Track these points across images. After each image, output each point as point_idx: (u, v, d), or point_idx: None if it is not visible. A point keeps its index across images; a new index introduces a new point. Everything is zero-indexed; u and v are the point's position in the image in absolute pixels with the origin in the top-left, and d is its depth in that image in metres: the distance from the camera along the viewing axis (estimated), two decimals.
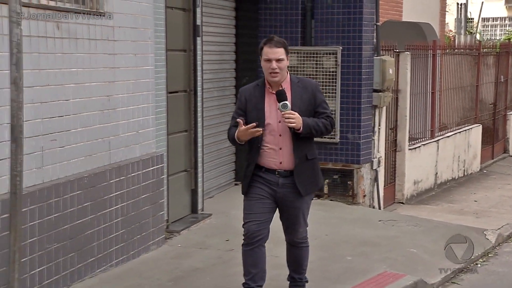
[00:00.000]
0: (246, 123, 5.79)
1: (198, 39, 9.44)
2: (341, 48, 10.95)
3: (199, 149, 9.68)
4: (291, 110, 5.71)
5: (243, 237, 6.04)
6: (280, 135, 5.90)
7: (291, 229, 6.12)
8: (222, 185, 11.25)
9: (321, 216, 9.94)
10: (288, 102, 5.70)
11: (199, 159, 9.70)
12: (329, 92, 10.96)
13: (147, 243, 7.91)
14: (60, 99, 6.48)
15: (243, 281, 6.05)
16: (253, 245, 5.92)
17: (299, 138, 5.84)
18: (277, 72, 5.79)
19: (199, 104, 9.60)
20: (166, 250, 8.05)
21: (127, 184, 7.51)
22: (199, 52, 9.50)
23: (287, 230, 6.17)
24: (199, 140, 9.66)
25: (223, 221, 9.42)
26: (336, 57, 10.95)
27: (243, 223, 6.03)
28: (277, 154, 5.92)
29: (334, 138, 11.04)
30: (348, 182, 11.24)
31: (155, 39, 8.16)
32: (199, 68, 9.53)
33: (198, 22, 9.41)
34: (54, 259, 6.37)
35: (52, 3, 6.38)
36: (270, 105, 5.89)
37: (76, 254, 6.67)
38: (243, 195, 6.13)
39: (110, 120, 7.30)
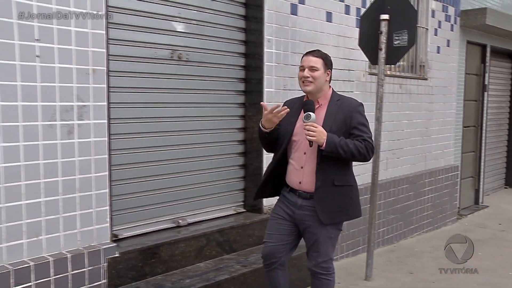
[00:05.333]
0: (277, 135, 3.66)
1: (485, 93, 9.23)
2: None
3: (482, 163, 9.35)
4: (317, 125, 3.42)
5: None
6: (304, 153, 3.57)
7: (309, 255, 3.73)
8: (495, 187, 10.61)
9: None
10: (312, 114, 3.42)
11: (481, 169, 9.37)
12: None
13: (445, 220, 7.89)
14: (398, 129, 6.76)
15: None
16: (269, 267, 3.76)
17: (325, 158, 3.46)
18: (309, 81, 3.52)
19: (483, 134, 9.32)
20: (457, 226, 7.93)
21: (435, 182, 7.55)
22: (485, 102, 9.23)
23: (307, 254, 3.78)
24: (482, 157, 9.34)
25: (496, 211, 8.99)
26: None
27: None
28: (298, 173, 3.61)
29: None
30: None
31: (456, 93, 8.10)
32: (484, 112, 9.25)
33: (486, 82, 9.19)
34: (390, 224, 6.65)
35: (397, 73, 6.77)
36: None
37: (402, 223, 6.88)
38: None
39: (427, 142, 7.41)
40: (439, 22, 7.52)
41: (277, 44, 4.99)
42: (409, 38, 5.05)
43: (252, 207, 5.05)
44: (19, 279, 3.29)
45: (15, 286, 3.28)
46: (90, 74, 3.61)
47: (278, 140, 3.67)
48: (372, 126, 5.46)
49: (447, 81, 7.80)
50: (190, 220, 4.59)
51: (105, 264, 3.72)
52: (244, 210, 5.06)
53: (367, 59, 5.63)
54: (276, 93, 5.00)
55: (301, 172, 3.60)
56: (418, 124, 7.21)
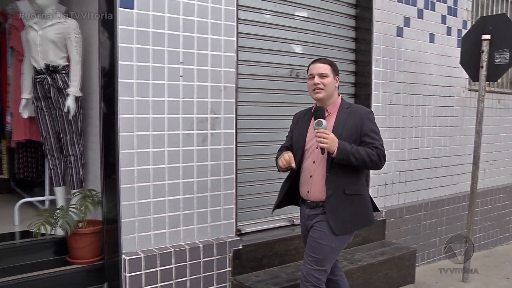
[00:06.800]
0: (291, 146, 3.28)
1: None
2: None
3: None
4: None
5: None
6: (313, 162, 3.10)
7: (304, 259, 3.13)
8: None
9: None
10: (323, 120, 2.96)
11: None
12: None
13: None
14: (496, 142, 6.37)
15: None
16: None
17: (335, 167, 2.99)
18: (320, 88, 3.06)
19: None
20: None
21: None
22: None
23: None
24: None
25: None
26: None
27: None
28: (307, 182, 3.14)
29: None
30: None
31: None
32: None
33: None
34: (486, 230, 6.31)
35: (496, 89, 6.41)
36: (313, 130, 3.05)
37: (499, 230, 6.52)
38: None
39: None
40: None
41: (384, 63, 4.90)
42: (511, 56, 4.78)
43: None
44: (163, 261, 3.49)
45: (160, 267, 3.47)
46: (222, 91, 3.74)
47: (292, 151, 3.23)
48: (471, 139, 5.34)
49: None
50: None
51: (230, 254, 3.83)
52: None
53: (467, 76, 5.40)
54: (382, 108, 4.90)
55: (310, 181, 3.13)
56: None
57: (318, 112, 3.02)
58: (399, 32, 5.04)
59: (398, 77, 5.05)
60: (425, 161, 5.44)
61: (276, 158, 3.24)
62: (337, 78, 3.15)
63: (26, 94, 4.21)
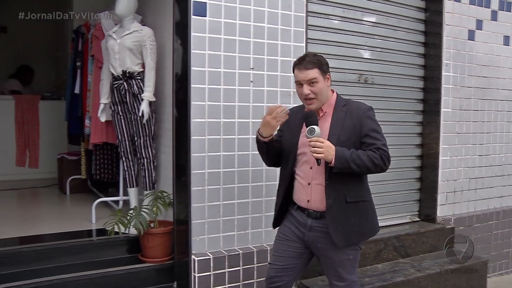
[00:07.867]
0: (279, 148, 2.79)
1: None
2: None
3: None
4: (321, 138, 2.54)
5: None
6: (311, 168, 2.68)
7: (329, 280, 2.84)
8: None
9: None
10: (316, 127, 2.52)
11: None
12: None
13: None
14: None
15: None
16: None
17: (335, 173, 2.56)
18: (312, 98, 2.63)
19: None
20: None
21: None
22: None
23: (327, 278, 2.88)
24: None
25: None
26: None
27: None
28: (306, 190, 2.71)
29: None
30: None
31: None
32: None
33: None
34: None
35: None
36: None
37: None
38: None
39: None
40: None
41: (454, 68, 4.64)
42: None
43: (426, 216, 4.72)
44: (232, 263, 3.44)
45: (228, 268, 3.43)
46: (291, 96, 3.66)
47: (283, 153, 2.80)
48: None
49: None
50: None
51: None
52: (419, 219, 4.77)
53: None
54: (452, 113, 4.63)
55: (309, 189, 2.71)
56: None
57: (309, 118, 2.59)
58: (471, 36, 4.76)
59: (469, 82, 4.76)
60: (497, 168, 5.09)
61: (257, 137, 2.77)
62: (328, 76, 2.71)
63: (104, 99, 4.31)
